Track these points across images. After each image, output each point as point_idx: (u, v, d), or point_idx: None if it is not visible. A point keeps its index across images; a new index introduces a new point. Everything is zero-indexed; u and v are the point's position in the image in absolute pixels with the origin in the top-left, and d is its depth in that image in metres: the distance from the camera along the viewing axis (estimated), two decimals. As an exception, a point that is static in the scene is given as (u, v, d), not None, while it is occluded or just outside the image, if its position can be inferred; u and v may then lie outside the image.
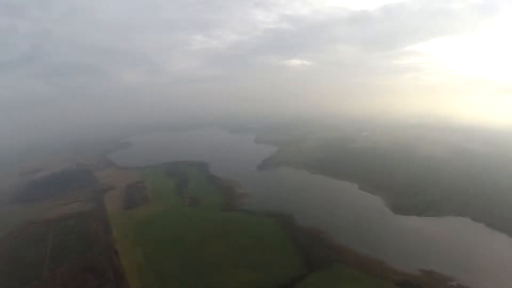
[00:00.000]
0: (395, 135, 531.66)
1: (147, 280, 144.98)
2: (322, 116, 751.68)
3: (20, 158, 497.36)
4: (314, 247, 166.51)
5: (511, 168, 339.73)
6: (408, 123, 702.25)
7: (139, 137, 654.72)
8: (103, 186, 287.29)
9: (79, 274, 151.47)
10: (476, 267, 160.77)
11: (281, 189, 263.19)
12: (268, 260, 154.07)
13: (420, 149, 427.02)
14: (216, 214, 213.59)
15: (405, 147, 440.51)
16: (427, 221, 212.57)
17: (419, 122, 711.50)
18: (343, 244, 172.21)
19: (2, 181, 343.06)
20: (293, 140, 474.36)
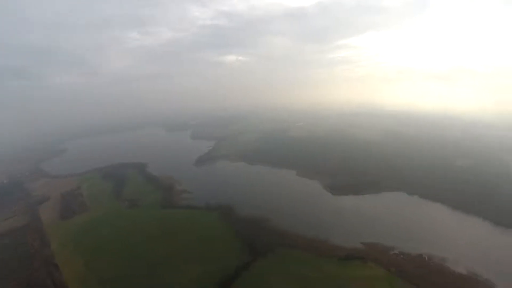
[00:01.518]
0: (331, 123, 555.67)
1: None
2: (259, 110, 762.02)
3: None
4: (258, 235, 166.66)
5: (438, 147, 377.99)
6: (343, 111, 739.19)
7: (75, 142, 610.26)
8: (37, 198, 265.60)
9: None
10: (415, 234, 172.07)
11: (220, 182, 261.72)
12: (212, 253, 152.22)
13: (355, 134, 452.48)
14: (156, 213, 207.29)
15: (341, 133, 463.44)
16: (364, 198, 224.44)
17: (354, 111, 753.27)
18: (285, 229, 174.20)
19: None
20: (231, 134, 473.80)
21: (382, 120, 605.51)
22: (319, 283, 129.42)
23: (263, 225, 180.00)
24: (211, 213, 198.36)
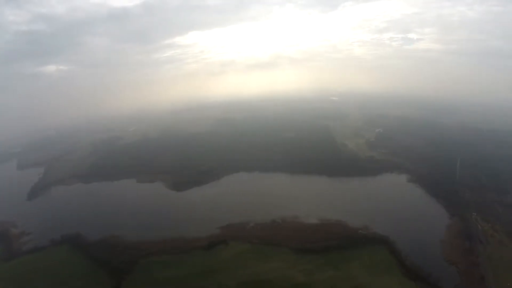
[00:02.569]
0: (163, 123, 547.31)
1: None
2: (87, 122, 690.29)
3: None
4: (114, 255, 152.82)
5: (262, 125, 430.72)
6: (174, 109, 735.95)
7: None
8: None
9: None
10: (264, 205, 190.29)
11: (60, 212, 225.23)
12: None
13: (187, 129, 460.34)
14: None
15: (174, 131, 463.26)
16: (208, 187, 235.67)
17: (184, 106, 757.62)
18: (140, 239, 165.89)
19: None
20: (61, 154, 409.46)
21: (211, 111, 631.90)
22: (190, 277, 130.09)
23: (117, 242, 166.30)
24: (60, 248, 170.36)
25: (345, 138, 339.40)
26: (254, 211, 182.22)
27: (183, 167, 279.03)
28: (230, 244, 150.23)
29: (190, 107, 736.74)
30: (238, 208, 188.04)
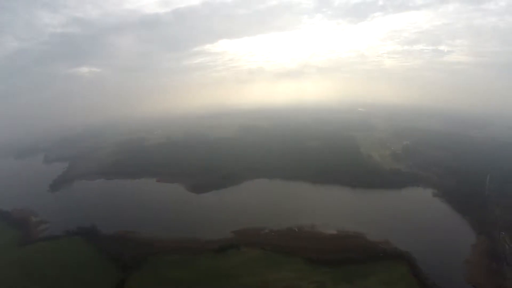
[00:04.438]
0: (188, 127, 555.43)
1: None
2: (115, 123, 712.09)
3: None
4: (125, 250, 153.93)
5: (287, 133, 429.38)
6: (201, 115, 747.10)
7: None
8: None
9: None
10: (282, 212, 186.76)
11: (80, 204, 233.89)
12: (84, 282, 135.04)
13: (212, 134, 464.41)
14: (12, 253, 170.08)
15: (198, 135, 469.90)
16: (228, 191, 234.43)
17: (211, 113, 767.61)
18: (153, 237, 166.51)
19: None
20: (86, 151, 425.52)
21: (237, 117, 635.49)
22: (197, 279, 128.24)
23: (130, 238, 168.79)
24: (73, 238, 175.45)
25: (370, 149, 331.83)
26: (271, 217, 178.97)
27: (204, 170, 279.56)
28: (242, 249, 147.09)
29: (216, 113, 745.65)
30: (255, 214, 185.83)
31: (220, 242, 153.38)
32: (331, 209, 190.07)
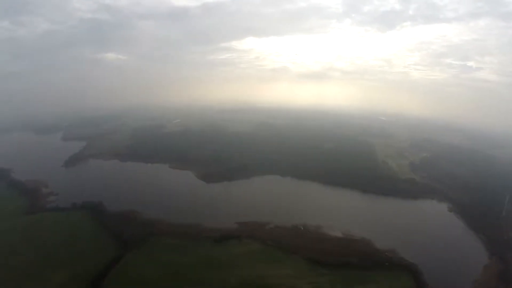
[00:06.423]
0: (206, 119, 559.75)
1: None
2: (136, 108, 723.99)
3: None
4: (127, 228, 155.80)
5: (304, 133, 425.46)
6: (221, 108, 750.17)
7: None
8: None
9: None
10: (289, 209, 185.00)
11: (91, 181, 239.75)
12: (81, 254, 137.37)
13: (229, 128, 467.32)
14: (19, 220, 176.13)
15: (214, 127, 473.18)
16: (237, 183, 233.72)
17: (231, 107, 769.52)
18: (157, 218, 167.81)
19: None
20: (104, 133, 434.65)
21: (256, 114, 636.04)
22: (192, 265, 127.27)
23: (134, 217, 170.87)
24: (79, 212, 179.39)
25: (387, 156, 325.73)
26: (277, 213, 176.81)
27: (217, 161, 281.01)
28: (243, 241, 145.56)
29: (236, 109, 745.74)
30: (262, 208, 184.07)
31: (222, 232, 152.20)
32: (339, 212, 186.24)
